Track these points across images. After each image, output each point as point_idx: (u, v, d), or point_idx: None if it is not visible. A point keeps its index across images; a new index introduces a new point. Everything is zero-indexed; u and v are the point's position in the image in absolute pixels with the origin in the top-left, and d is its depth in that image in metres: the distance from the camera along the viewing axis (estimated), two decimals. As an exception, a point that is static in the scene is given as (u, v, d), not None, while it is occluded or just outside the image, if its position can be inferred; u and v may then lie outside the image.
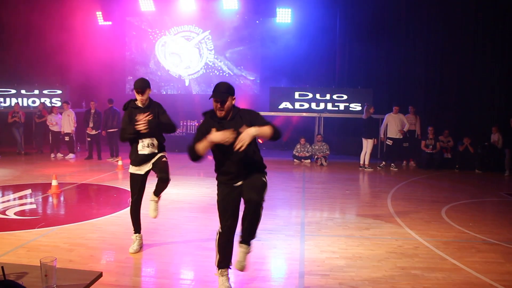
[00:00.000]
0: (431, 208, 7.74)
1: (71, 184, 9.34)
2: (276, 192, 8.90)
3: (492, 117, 13.65)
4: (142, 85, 4.99)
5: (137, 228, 5.29)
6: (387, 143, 12.62)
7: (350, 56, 15.50)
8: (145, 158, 5.06)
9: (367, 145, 12.16)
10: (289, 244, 5.62)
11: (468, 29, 14.30)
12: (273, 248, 5.48)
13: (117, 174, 10.64)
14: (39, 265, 2.39)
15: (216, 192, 4.10)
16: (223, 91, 3.82)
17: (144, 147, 5.01)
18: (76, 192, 8.78)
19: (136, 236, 5.28)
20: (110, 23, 16.80)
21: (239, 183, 3.98)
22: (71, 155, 13.45)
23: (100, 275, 2.65)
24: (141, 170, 5.09)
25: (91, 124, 13.04)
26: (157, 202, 5.29)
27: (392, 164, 12.48)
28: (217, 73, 16.90)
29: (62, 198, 8.14)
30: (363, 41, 15.09)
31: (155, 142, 5.05)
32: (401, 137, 12.52)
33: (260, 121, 3.90)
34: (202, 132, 3.85)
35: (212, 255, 5.12)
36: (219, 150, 3.91)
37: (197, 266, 4.84)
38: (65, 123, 13.56)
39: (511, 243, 5.82)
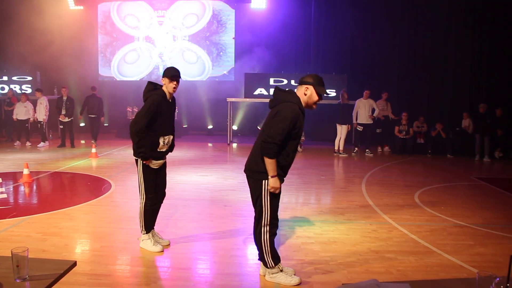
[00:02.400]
0: (404, 193, 7.87)
1: (44, 172, 9.17)
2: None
3: (463, 103, 13.92)
4: (179, 74, 4.60)
5: (150, 226, 4.89)
6: (358, 128, 12.71)
7: (325, 42, 15.55)
8: (161, 157, 4.72)
9: (342, 131, 12.24)
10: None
11: (441, 17, 14.47)
12: (248, 234, 5.50)
13: (91, 162, 10.49)
14: (11, 255, 2.34)
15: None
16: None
17: (165, 144, 4.65)
18: (48, 180, 8.63)
19: (149, 234, 4.90)
20: (81, 7, 16.43)
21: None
22: (42, 144, 13.19)
23: (74, 264, 2.61)
24: (158, 165, 4.72)
25: (63, 111, 12.80)
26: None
27: (367, 150, 12.62)
28: (191, 59, 16.76)
29: (34, 187, 8.00)
30: (337, 27, 15.16)
31: (171, 138, 4.75)
32: (371, 122, 12.63)
33: None
34: (298, 126, 3.81)
35: (188, 242, 5.13)
36: (293, 146, 3.89)
37: (173, 254, 4.82)
38: (37, 110, 13.29)
39: (480, 225, 5.98)
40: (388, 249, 5.02)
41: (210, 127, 16.61)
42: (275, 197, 3.92)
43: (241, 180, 8.64)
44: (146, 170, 4.66)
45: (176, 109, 4.99)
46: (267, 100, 14.76)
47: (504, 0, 13.90)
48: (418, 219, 6.26)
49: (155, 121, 4.50)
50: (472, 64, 14.43)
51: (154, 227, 4.98)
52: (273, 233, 3.99)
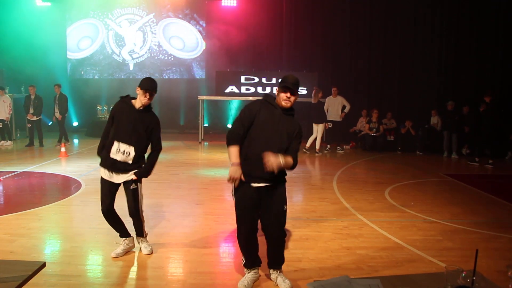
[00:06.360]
0: (375, 190, 7.99)
1: (11, 172, 8.95)
2: (224, 176, 8.91)
3: (432, 101, 14.21)
4: (154, 87, 4.37)
5: (122, 232, 4.69)
6: (328, 126, 12.76)
7: (296, 40, 15.63)
8: (115, 166, 4.40)
9: (318, 129, 12.21)
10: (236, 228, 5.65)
11: (410, 16, 14.75)
12: (219, 232, 5.50)
13: (60, 161, 10.30)
14: (-24, 257, 2.29)
15: (234, 189, 3.86)
16: (295, 83, 3.75)
17: (118, 152, 4.36)
18: (16, 180, 8.41)
19: (124, 240, 4.71)
20: (49, 3, 16.08)
21: (260, 184, 3.76)
22: (6, 142, 12.88)
23: (43, 265, 2.57)
24: (111, 177, 4.44)
25: (31, 110, 12.53)
26: (144, 241, 4.79)
27: (338, 147, 12.74)
28: (162, 57, 16.62)
29: (0, 187, 7.80)
30: (308, 26, 15.28)
31: (132, 152, 4.37)
32: (341, 119, 12.74)
33: (295, 146, 3.80)
34: (249, 116, 3.74)
35: (160, 242, 5.09)
36: (253, 140, 3.74)
37: (144, 253, 4.78)
38: (0, 109, 12.95)
39: (448, 220, 6.12)
40: (359, 245, 5.09)
41: (181, 124, 16.50)
42: (237, 201, 3.87)
43: (212, 179, 8.64)
44: (101, 180, 4.55)
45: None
46: (239, 98, 14.73)
47: (471, 1, 14.28)
48: (389, 216, 6.36)
49: (113, 125, 4.45)
50: (440, 63, 14.78)
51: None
52: (242, 238, 3.98)
